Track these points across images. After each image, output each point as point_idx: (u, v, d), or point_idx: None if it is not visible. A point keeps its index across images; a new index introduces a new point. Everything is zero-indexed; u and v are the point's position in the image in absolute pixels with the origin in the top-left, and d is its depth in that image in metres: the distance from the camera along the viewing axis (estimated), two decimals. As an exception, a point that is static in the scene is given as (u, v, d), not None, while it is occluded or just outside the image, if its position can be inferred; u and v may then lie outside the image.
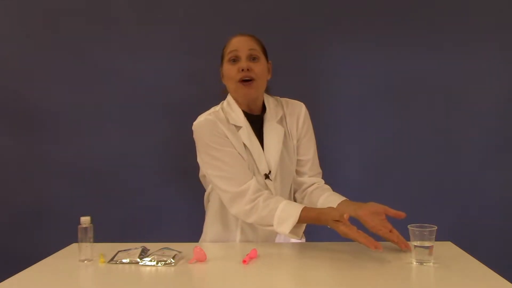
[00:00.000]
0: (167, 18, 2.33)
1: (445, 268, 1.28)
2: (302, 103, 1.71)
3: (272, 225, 1.46)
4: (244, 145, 1.57)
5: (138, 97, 2.35)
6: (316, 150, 1.71)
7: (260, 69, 1.56)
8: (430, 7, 2.29)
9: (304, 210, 1.44)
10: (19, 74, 2.37)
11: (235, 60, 1.56)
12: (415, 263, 1.31)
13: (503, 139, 2.31)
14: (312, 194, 1.65)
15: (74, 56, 2.35)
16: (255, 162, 1.57)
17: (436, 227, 1.30)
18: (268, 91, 1.72)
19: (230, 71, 1.57)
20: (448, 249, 1.47)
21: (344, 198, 1.58)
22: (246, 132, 1.58)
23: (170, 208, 2.38)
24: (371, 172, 2.33)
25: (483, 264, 1.30)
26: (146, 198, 2.37)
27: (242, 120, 1.59)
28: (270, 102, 1.67)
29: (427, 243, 1.30)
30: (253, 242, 1.62)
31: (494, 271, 1.23)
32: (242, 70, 1.53)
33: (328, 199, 1.59)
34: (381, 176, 2.33)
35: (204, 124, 1.56)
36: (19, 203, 2.39)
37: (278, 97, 1.72)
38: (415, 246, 1.31)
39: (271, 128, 1.62)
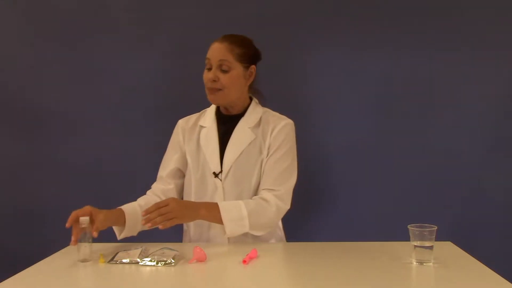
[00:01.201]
0: (167, 18, 2.33)
1: (445, 268, 1.28)
2: (286, 119, 1.68)
3: None
4: (200, 145, 1.68)
5: (138, 97, 2.35)
6: (278, 165, 1.61)
7: (227, 80, 1.60)
8: (424, 7, 2.28)
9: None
10: (19, 74, 2.37)
11: (209, 68, 1.63)
12: (415, 263, 1.31)
13: (503, 139, 2.30)
14: None
15: (74, 56, 2.35)
16: (206, 161, 1.65)
17: (436, 227, 1.30)
18: (260, 94, 1.75)
19: (204, 77, 1.65)
20: (448, 249, 1.48)
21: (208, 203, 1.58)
22: (206, 132, 1.69)
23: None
24: (371, 172, 2.33)
25: (483, 264, 1.30)
26: (146, 198, 2.37)
27: (209, 121, 1.71)
28: (255, 109, 1.70)
29: (427, 243, 1.30)
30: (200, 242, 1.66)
31: (494, 271, 1.23)
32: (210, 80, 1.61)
33: None
34: (381, 176, 2.33)
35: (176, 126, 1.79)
36: (19, 203, 2.39)
37: (269, 110, 1.74)
38: (415, 246, 1.31)
39: (239, 131, 1.66)
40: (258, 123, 1.67)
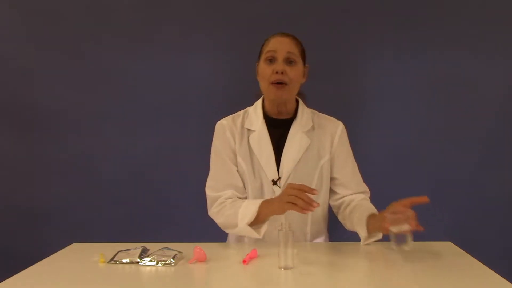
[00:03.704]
0: (168, 17, 2.33)
1: (445, 268, 1.28)
2: (339, 122, 1.67)
3: (236, 223, 1.49)
4: (252, 150, 1.58)
5: (138, 97, 2.35)
6: (354, 169, 1.66)
7: (295, 73, 1.53)
8: (435, 7, 2.29)
9: (264, 203, 1.46)
10: (19, 74, 2.37)
11: (271, 60, 1.53)
12: (394, 248, 1.33)
13: (503, 139, 2.31)
14: (350, 215, 1.58)
15: (74, 56, 2.35)
16: (262, 168, 1.57)
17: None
18: (303, 96, 1.70)
19: (265, 71, 1.54)
20: (448, 249, 1.47)
21: (371, 213, 1.49)
22: (258, 137, 1.59)
23: (170, 208, 2.38)
24: (371, 172, 2.33)
25: (483, 264, 1.30)
26: (147, 198, 2.37)
27: (258, 125, 1.60)
28: (304, 111, 1.64)
29: (404, 227, 1.31)
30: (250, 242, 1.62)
31: (494, 271, 1.23)
32: (277, 72, 1.51)
33: (359, 217, 1.51)
34: (381, 176, 2.32)
35: (217, 127, 1.64)
36: (19, 203, 2.39)
37: (315, 111, 1.69)
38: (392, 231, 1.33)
39: (295, 136, 1.59)
40: (312, 127, 1.62)
